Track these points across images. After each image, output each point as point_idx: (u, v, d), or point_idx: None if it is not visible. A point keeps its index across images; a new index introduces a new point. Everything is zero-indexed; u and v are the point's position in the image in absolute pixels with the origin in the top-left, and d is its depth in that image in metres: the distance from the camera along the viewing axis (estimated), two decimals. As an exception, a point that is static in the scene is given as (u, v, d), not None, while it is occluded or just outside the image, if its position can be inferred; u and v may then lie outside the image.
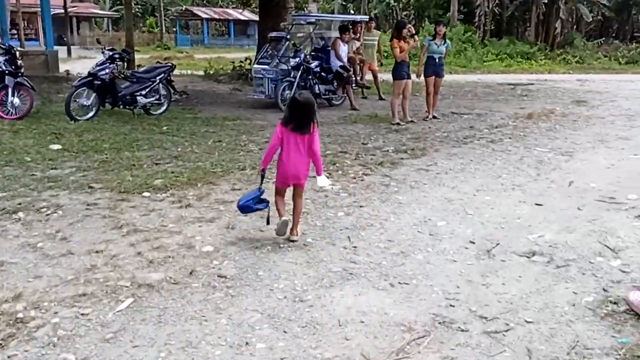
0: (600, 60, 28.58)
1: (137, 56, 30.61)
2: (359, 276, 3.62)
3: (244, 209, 4.34)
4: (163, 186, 5.51)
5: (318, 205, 5.10)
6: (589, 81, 19.80)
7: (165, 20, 53.62)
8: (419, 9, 39.59)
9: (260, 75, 11.57)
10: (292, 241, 4.22)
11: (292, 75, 11.30)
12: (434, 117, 10.07)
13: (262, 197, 4.35)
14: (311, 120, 4.14)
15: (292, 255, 3.98)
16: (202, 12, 51.62)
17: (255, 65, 11.87)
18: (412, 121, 9.81)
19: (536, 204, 5.22)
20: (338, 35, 11.89)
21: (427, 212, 4.97)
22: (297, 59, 11.18)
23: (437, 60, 9.86)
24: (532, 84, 18.48)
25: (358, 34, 12.41)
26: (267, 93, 11.48)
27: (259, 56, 12.07)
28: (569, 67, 27.03)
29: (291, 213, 4.34)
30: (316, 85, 11.57)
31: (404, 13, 41.28)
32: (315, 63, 11.62)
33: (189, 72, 19.71)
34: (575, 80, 19.92)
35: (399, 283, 3.53)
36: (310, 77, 11.47)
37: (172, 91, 10.49)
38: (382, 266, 3.79)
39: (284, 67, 11.41)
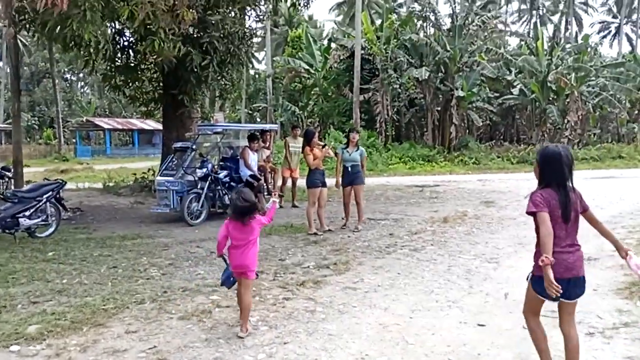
0: (494, 160, 30.46)
1: (30, 170, 28.79)
2: None
3: (224, 283, 4.83)
4: (38, 334, 4.43)
5: (234, 346, 4.25)
6: (489, 181, 20.69)
7: (65, 131, 51.80)
8: (323, 117, 41.04)
9: (165, 188, 10.75)
10: (240, 337, 4.39)
11: (199, 187, 10.61)
12: (356, 229, 9.46)
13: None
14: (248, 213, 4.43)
15: None
16: (104, 122, 50.49)
17: (159, 177, 11.08)
18: (329, 230, 9.31)
19: (479, 325, 4.69)
20: (247, 144, 11.49)
21: (362, 345, 4.26)
22: (205, 170, 10.57)
23: (349, 169, 9.56)
24: (438, 185, 18.95)
25: (267, 142, 12.11)
26: (172, 206, 10.63)
27: (163, 167, 11.34)
28: (467, 168, 28.49)
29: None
30: (226, 196, 10.91)
31: (309, 120, 42.66)
32: (224, 173, 11.05)
33: (87, 185, 18.43)
34: (477, 181, 20.76)
35: None
36: (219, 187, 10.84)
37: (62, 210, 9.40)
38: None
39: (190, 178, 10.73)
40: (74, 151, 46.60)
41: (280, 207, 12.16)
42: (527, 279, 3.55)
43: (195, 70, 12.62)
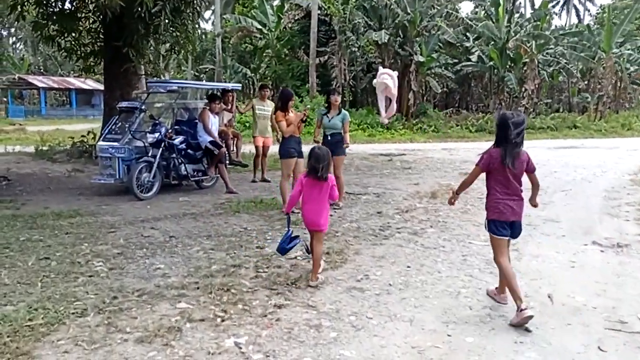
0: (453, 128, 29.80)
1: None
2: None
3: (281, 251, 4.90)
4: None
5: (221, 392, 2.96)
6: (454, 150, 19.89)
7: (-7, 89, 47.72)
8: (276, 80, 39.26)
9: (108, 155, 9.13)
10: (310, 286, 4.52)
11: (150, 154, 9.06)
12: (337, 205, 8.19)
13: (293, 235, 4.88)
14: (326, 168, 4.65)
15: None
16: (39, 80, 46.68)
17: (101, 142, 9.39)
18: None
19: (541, 346, 3.59)
20: (206, 106, 9.96)
21: (402, 384, 3.07)
22: (157, 134, 8.99)
23: (329, 137, 8.26)
24: (404, 154, 17.95)
25: (230, 104, 10.52)
26: (117, 176, 9.05)
27: (106, 131, 9.64)
28: (427, 136, 27.75)
29: None
30: (182, 165, 9.41)
31: (260, 84, 40.78)
32: (180, 139, 9.51)
33: (17, 149, 16.30)
34: (442, 150, 19.89)
35: None
36: (174, 155, 9.31)
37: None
38: None
39: (140, 144, 9.15)
40: (5, 111, 42.95)
41: (253, 181, 10.66)
42: (486, 228, 4.27)
43: (144, 17, 10.83)
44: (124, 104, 9.87)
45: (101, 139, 9.64)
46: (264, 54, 37.92)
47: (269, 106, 10.69)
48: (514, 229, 4.16)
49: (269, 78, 40.67)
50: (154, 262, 5.25)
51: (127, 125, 9.22)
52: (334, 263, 5.26)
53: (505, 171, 4.04)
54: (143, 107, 9.50)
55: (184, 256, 5.45)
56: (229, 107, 10.47)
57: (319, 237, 4.76)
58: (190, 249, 5.72)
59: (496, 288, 4.44)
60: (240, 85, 12.82)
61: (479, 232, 6.63)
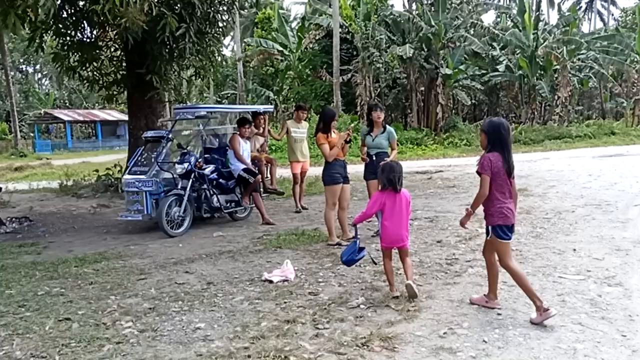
0: (486, 141, 28.70)
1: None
2: None
3: (349, 262, 5.04)
4: None
5: None
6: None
7: (22, 125, 48.13)
8: (299, 101, 38.73)
9: (135, 189, 8.43)
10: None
11: (180, 186, 8.34)
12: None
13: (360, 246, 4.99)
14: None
15: None
16: (64, 114, 47.01)
17: (127, 176, 8.71)
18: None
19: None
20: (236, 131, 9.23)
21: None
22: (186, 164, 8.25)
23: (374, 157, 7.39)
24: (441, 170, 17.03)
25: (262, 128, 9.78)
26: (146, 212, 8.33)
27: (131, 163, 8.96)
28: (460, 150, 26.77)
29: None
30: (214, 197, 8.66)
31: (283, 106, 40.23)
32: (211, 168, 8.76)
33: (42, 184, 15.82)
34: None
35: None
36: (205, 186, 8.57)
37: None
38: None
39: (168, 175, 8.45)
40: (33, 146, 43.18)
41: (297, 211, 9.72)
42: (488, 236, 4.32)
43: (167, 42, 10.22)
44: (149, 134, 9.21)
45: (127, 172, 8.96)
46: (286, 76, 37.49)
47: (304, 127, 9.94)
48: (513, 232, 4.30)
49: (292, 100, 40.20)
50: (192, 319, 4.42)
51: (153, 156, 8.53)
52: (406, 312, 4.36)
53: (504, 175, 4.17)
54: (170, 136, 8.82)
55: (226, 309, 4.62)
56: (261, 131, 9.72)
57: (406, 252, 4.80)
58: (233, 299, 4.89)
59: (485, 295, 4.49)
60: (272, 107, 12.04)
61: (564, 262, 5.67)
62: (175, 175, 8.36)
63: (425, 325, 4.11)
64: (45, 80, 70.62)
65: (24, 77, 66.05)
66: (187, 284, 5.45)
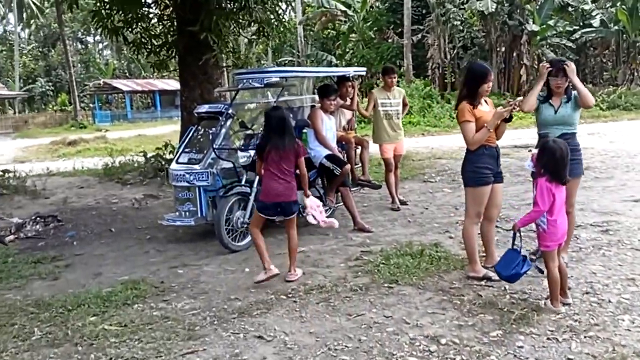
0: (579, 107, 25.18)
1: (34, 141, 24.83)
2: None
3: (513, 278, 4.01)
4: None
5: None
6: (601, 134, 16.03)
7: (83, 96, 47.74)
8: (365, 66, 36.10)
9: (185, 183, 6.27)
10: None
11: (244, 180, 6.12)
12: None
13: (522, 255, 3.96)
14: None
15: None
16: (123, 84, 46.17)
17: (175, 165, 6.54)
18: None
19: None
20: (316, 103, 6.88)
21: None
22: (252, 152, 5.98)
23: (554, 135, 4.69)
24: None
25: (350, 99, 7.30)
26: (200, 214, 6.18)
27: (181, 148, 6.76)
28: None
29: None
30: (289, 194, 6.38)
31: (383, 67, 37.69)
32: (284, 155, 6.46)
33: (90, 162, 14.10)
34: (587, 135, 15.73)
35: None
36: (277, 180, 6.29)
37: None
38: None
39: (228, 165, 6.22)
40: (93, 117, 42.59)
41: (395, 209, 7.31)
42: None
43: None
44: (203, 108, 6.97)
45: (175, 160, 6.77)
46: (349, 39, 34.86)
47: (397, 96, 7.45)
48: None
49: (356, 64, 37.52)
50: None
51: (209, 138, 6.32)
52: None
53: None
54: (230, 111, 6.53)
55: None
56: (349, 103, 7.25)
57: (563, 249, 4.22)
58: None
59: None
60: (364, 69, 9.39)
61: None
62: (237, 166, 6.14)
63: None
64: (107, 50, 70.42)
65: (84, 47, 66.01)
66: (262, 353, 3.24)
